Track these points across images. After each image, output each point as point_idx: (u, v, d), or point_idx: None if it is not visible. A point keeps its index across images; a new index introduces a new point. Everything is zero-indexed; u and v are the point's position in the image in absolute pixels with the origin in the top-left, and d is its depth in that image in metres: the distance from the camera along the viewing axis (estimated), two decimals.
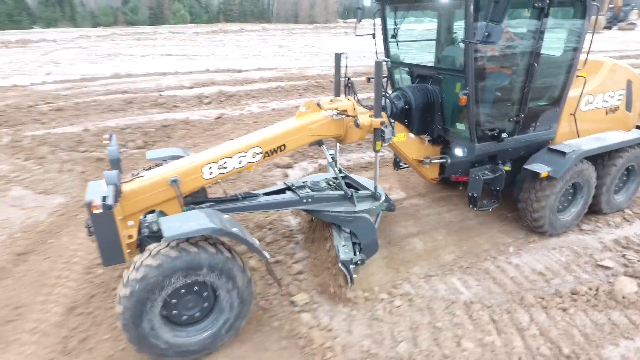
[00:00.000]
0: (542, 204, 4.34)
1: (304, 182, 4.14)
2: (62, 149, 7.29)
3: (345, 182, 4.32)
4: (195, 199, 3.66)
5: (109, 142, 3.43)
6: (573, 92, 4.52)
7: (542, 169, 4.21)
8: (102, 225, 2.86)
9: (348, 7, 66.36)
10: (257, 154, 3.52)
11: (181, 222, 2.79)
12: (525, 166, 4.39)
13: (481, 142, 4.18)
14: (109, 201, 2.79)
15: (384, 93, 3.85)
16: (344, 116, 3.73)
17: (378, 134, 3.73)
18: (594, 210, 4.97)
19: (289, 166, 6.71)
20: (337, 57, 4.19)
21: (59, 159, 6.83)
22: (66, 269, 4.07)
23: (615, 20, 39.86)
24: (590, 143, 4.52)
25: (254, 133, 3.80)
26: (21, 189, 5.73)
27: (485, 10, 3.22)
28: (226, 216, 3.09)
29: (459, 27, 4.47)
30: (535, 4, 3.73)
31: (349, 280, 3.52)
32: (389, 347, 3.10)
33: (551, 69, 4.36)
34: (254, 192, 4.00)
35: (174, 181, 3.26)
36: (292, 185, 4.07)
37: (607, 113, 4.93)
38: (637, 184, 5.21)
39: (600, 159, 4.78)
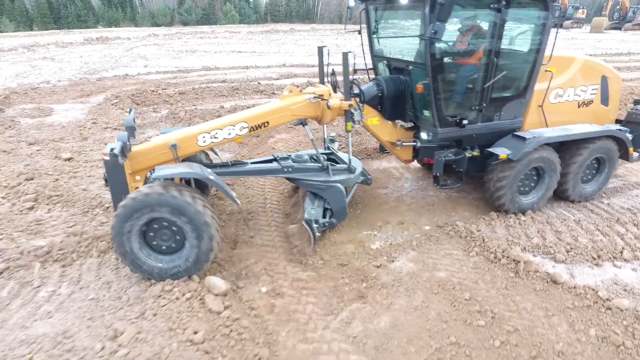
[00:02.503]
0: (502, 184, 4.74)
1: (289, 155, 4.80)
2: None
3: (330, 158, 4.95)
4: (193, 162, 4.36)
5: (128, 114, 4.27)
6: (540, 86, 4.84)
7: (502, 152, 4.58)
8: (114, 174, 3.69)
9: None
10: (244, 128, 4.17)
11: (170, 169, 3.62)
12: (488, 149, 4.78)
13: (444, 127, 4.62)
14: (116, 151, 3.56)
15: (352, 80, 4.37)
16: (320, 99, 4.31)
17: (348, 116, 4.36)
18: (563, 197, 5.32)
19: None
20: (320, 49, 4.68)
21: None
22: None
23: (623, 20, 38.65)
24: (553, 132, 4.83)
25: (244, 111, 4.59)
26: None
27: (434, 11, 3.77)
28: (209, 170, 3.79)
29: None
30: (492, 5, 4.14)
31: (311, 238, 4.10)
32: (525, 240, 4.46)
33: (515, 63, 4.72)
34: (243, 160, 4.74)
35: (173, 145, 3.93)
36: (278, 156, 4.71)
37: (579, 106, 5.21)
38: (606, 175, 5.39)
39: (568, 148, 5.05)
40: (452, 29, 4.66)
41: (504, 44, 4.43)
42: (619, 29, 38.12)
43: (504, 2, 4.11)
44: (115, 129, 8.61)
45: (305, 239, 4.20)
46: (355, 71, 5.24)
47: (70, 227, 4.68)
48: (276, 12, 59.13)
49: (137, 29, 44.90)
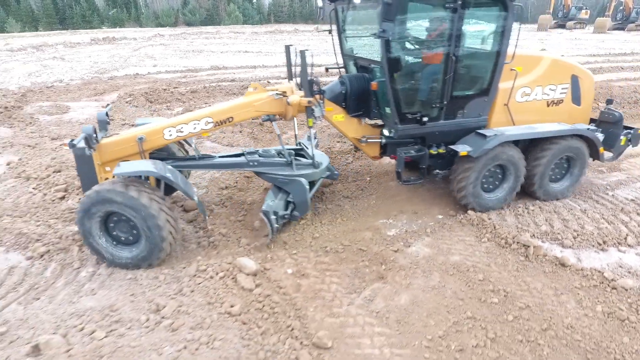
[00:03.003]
0: (464, 181, 4.79)
1: (257, 149, 4.97)
2: None
3: (299, 154, 5.10)
4: (160, 155, 4.65)
5: (105, 108, 4.57)
6: (505, 84, 4.85)
7: (463, 149, 4.64)
8: (82, 164, 4.03)
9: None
10: (209, 122, 4.31)
11: (131, 166, 3.78)
12: (450, 146, 4.84)
13: (404, 124, 4.67)
14: (75, 142, 3.86)
15: (311, 78, 4.47)
16: (282, 96, 4.44)
17: (309, 112, 4.50)
18: (530, 195, 5.32)
19: None
20: (287, 48, 4.78)
21: None
22: None
23: (626, 21, 38.75)
24: (516, 130, 4.85)
25: (210, 107, 4.75)
26: (210, 142, 7.71)
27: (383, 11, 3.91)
28: (170, 167, 4.00)
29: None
30: (447, 5, 4.20)
31: (269, 229, 4.27)
32: (534, 228, 4.71)
33: (476, 62, 4.77)
34: (211, 154, 4.92)
35: (140, 139, 4.09)
36: (246, 151, 4.88)
37: (549, 105, 5.18)
38: (577, 174, 5.34)
39: (535, 147, 5.07)
40: (409, 27, 4.71)
41: (464, 43, 4.48)
42: (622, 29, 38.28)
43: (459, 2, 4.16)
44: (132, 125, 8.87)
45: (264, 230, 4.36)
46: (327, 70, 5.39)
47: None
48: (279, 13, 59.44)
49: (142, 30, 45.23)
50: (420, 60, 4.79)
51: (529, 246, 4.30)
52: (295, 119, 4.88)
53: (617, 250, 4.37)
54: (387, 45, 4.21)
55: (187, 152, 5.26)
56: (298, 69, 4.53)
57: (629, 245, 4.44)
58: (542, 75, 5.06)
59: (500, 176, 5.08)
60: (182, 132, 4.30)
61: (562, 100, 5.25)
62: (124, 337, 3.04)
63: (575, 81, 5.24)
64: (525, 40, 29.68)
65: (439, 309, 3.53)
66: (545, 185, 5.24)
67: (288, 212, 4.56)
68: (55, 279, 3.84)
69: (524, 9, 4.45)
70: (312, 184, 4.97)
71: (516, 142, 4.98)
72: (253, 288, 3.64)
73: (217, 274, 3.75)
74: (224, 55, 21.93)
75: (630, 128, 5.58)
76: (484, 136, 4.69)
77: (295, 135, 5.60)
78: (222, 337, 3.02)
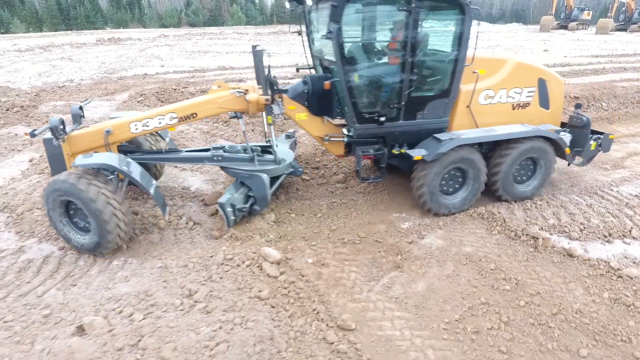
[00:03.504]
0: (421, 184, 4.84)
1: (223, 145, 5.13)
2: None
3: (267, 150, 5.25)
4: (128, 148, 4.94)
5: (82, 103, 4.76)
6: (467, 87, 4.88)
7: (418, 153, 4.67)
8: (51, 153, 4.30)
9: None
10: (174, 118, 4.50)
11: (88, 159, 3.98)
12: (406, 150, 4.91)
13: (362, 123, 4.72)
14: (36, 132, 4.03)
15: (268, 77, 4.59)
16: (243, 94, 4.58)
17: (268, 110, 4.65)
18: (495, 196, 5.31)
19: None
20: (254, 48, 4.73)
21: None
22: None
23: (629, 22, 38.83)
24: (474, 133, 4.86)
25: (176, 103, 4.91)
26: (223, 141, 7.92)
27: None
28: (129, 160, 4.20)
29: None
30: (400, 7, 4.28)
31: (225, 220, 4.44)
32: (542, 221, 4.91)
33: (433, 64, 4.79)
34: (177, 148, 5.20)
35: (107, 131, 4.33)
36: (212, 146, 5.10)
37: (514, 108, 5.19)
38: (542, 176, 5.34)
39: (497, 149, 5.09)
40: (362, 29, 4.87)
41: (419, 45, 4.50)
42: (625, 30, 38.40)
43: (413, 5, 4.20)
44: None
45: (221, 221, 4.52)
46: (298, 69, 5.52)
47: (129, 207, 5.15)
48: (282, 14, 59.70)
49: (146, 30, 45.49)
50: (375, 61, 4.87)
51: (537, 238, 4.50)
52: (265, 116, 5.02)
53: (622, 242, 4.57)
54: (338, 46, 4.29)
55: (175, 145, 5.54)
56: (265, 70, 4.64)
57: (634, 238, 4.64)
58: (506, 78, 5.05)
59: (460, 179, 5.11)
60: (147, 126, 4.52)
61: (529, 103, 5.26)
62: (161, 319, 3.25)
63: (542, 85, 5.23)
64: (527, 41, 29.91)
65: (454, 295, 3.74)
66: (509, 187, 5.23)
67: (247, 205, 4.73)
68: (89, 267, 4.05)
69: (481, 11, 4.45)
70: (276, 179, 5.17)
71: (480, 144, 5.05)
72: (278, 275, 3.84)
73: (243, 262, 3.95)
74: (229, 55, 22.14)
75: (600, 133, 5.61)
76: (439, 140, 4.72)
77: (265, 132, 5.77)
78: (254, 318, 3.22)
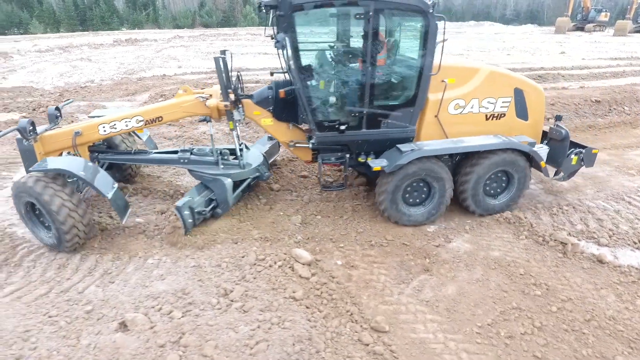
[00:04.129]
0: (382, 194, 4.76)
1: (192, 148, 5.23)
2: None
3: (237, 154, 5.20)
4: (99, 148, 5.20)
5: (62, 103, 4.98)
6: (436, 96, 4.73)
7: (378, 163, 4.62)
8: (24, 152, 4.47)
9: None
10: (140, 121, 4.69)
11: (44, 163, 4.15)
12: (368, 160, 4.86)
13: (322, 131, 4.65)
14: (1, 134, 4.43)
15: (229, 83, 4.60)
16: (205, 99, 4.67)
17: (229, 115, 4.72)
18: (465, 209, 5.14)
19: None
20: (222, 54, 4.69)
21: None
22: None
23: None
24: (438, 145, 4.71)
25: (142, 107, 5.04)
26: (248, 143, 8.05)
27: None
28: (89, 164, 4.33)
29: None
30: (356, 16, 4.19)
31: (181, 223, 4.41)
32: (569, 227, 4.91)
33: (398, 73, 4.69)
34: (146, 150, 5.37)
35: (77, 133, 4.53)
36: (181, 149, 5.18)
37: (488, 118, 4.97)
38: (515, 189, 5.10)
39: (466, 160, 4.94)
40: (317, 36, 4.86)
41: (381, 53, 4.41)
42: None
43: (370, 13, 4.09)
44: (170, 124, 9.25)
45: (177, 224, 4.50)
46: (272, 74, 5.35)
47: (156, 209, 5.28)
48: None
49: (161, 31, 46.05)
50: (333, 69, 4.83)
51: (566, 244, 4.50)
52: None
53: None
54: (293, 55, 4.24)
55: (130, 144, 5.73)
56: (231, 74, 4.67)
57: None
58: (478, 88, 4.84)
59: (425, 190, 4.97)
60: (115, 128, 4.71)
61: (504, 114, 5.01)
62: (200, 317, 3.34)
63: (519, 95, 4.99)
64: (543, 43, 29.59)
65: (485, 299, 3.76)
66: (479, 200, 5.04)
67: (207, 209, 4.77)
68: (125, 266, 4.16)
69: (445, 19, 4.23)
70: (243, 182, 5.21)
71: (451, 155, 4.93)
72: (310, 276, 3.91)
73: (275, 262, 4.03)
74: (244, 57, 22.32)
75: (583, 147, 5.30)
76: (401, 151, 4.62)
77: (237, 135, 5.75)
78: (290, 318, 3.29)
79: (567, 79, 14.88)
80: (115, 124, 4.69)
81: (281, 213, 5.23)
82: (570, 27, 39.93)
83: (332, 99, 4.67)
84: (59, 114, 4.82)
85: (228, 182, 4.88)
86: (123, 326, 3.25)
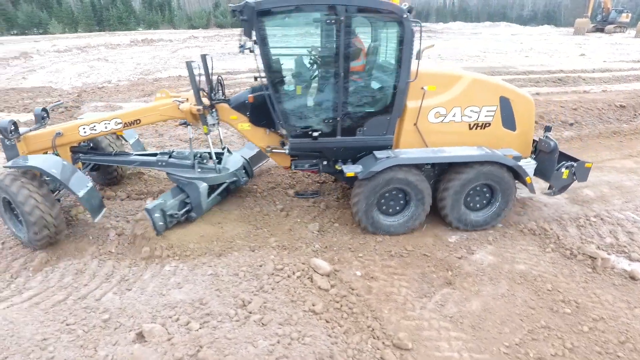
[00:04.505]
0: (356, 202, 4.61)
1: (172, 150, 5.27)
2: None
3: (219, 158, 5.31)
4: (81, 149, 5.28)
5: (50, 105, 5.04)
6: (414, 103, 4.57)
7: (351, 169, 4.49)
8: (5, 148, 4.53)
9: None
10: (119, 123, 4.78)
11: (20, 160, 4.31)
12: (342, 165, 4.73)
13: (295, 138, 4.61)
14: None
15: (200, 87, 4.58)
16: (179, 103, 4.69)
17: (203, 120, 4.72)
18: (445, 222, 4.94)
19: None
20: (203, 57, 4.66)
21: None
22: None
23: None
24: (416, 153, 4.56)
25: (122, 109, 5.05)
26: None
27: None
28: (64, 163, 4.38)
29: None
30: (327, 21, 4.09)
31: (151, 226, 4.44)
32: (598, 240, 4.70)
33: (373, 79, 4.60)
34: (127, 152, 5.44)
35: (58, 133, 4.64)
36: (160, 152, 5.27)
37: (471, 128, 4.77)
38: (499, 204, 4.83)
39: (447, 172, 4.74)
40: (287, 41, 4.68)
41: (353, 59, 4.30)
42: None
43: (342, 17, 3.97)
44: (187, 125, 9.25)
45: (149, 227, 4.51)
46: (255, 78, 5.23)
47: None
48: None
49: (176, 32, 46.51)
50: (304, 75, 4.76)
51: (595, 258, 4.32)
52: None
53: None
54: (262, 59, 4.19)
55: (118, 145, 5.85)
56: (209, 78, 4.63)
57: None
58: (460, 96, 4.64)
59: (402, 200, 4.79)
60: (95, 130, 4.81)
61: (489, 123, 4.78)
62: (218, 329, 3.27)
63: (505, 104, 4.75)
64: (561, 44, 28.98)
65: (512, 316, 3.61)
66: (459, 213, 4.81)
67: (180, 212, 4.75)
68: (142, 272, 4.12)
69: (421, 24, 4.09)
70: (218, 186, 5.24)
71: (433, 165, 4.74)
72: (329, 288, 3.81)
73: (293, 273, 3.94)
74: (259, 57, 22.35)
75: (575, 160, 5.00)
76: (376, 158, 4.49)
77: (220, 139, 5.94)
78: (310, 333, 3.20)
79: (589, 82, 14.50)
80: (94, 126, 4.80)
81: (298, 220, 5.14)
82: (589, 28, 39.08)
83: (304, 105, 4.61)
84: (45, 115, 4.97)
85: (203, 186, 4.91)
86: (140, 337, 3.20)
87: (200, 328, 3.30)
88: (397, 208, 4.82)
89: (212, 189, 5.16)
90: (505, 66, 18.01)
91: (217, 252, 4.41)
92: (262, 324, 3.31)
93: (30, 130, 4.74)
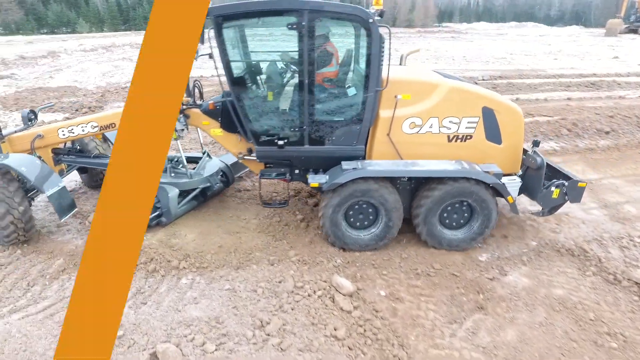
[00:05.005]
0: (322, 214, 4.40)
1: None
2: None
3: (197, 162, 5.29)
4: (62, 150, 5.29)
5: (42, 106, 5.18)
6: (387, 113, 4.35)
7: (315, 180, 4.32)
8: None
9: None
10: (95, 126, 4.87)
11: (4, 158, 4.30)
12: (311, 174, 4.55)
13: (260, 145, 4.50)
14: None
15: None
16: None
17: None
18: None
19: None
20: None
21: None
22: None
23: None
24: (385, 166, 4.33)
25: (98, 113, 5.03)
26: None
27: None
28: (37, 162, 4.41)
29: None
30: (290, 26, 3.93)
31: None
32: None
33: (341, 88, 4.45)
34: (106, 154, 5.47)
35: (39, 135, 4.77)
36: None
37: (450, 140, 4.48)
38: (479, 224, 4.47)
39: (423, 186, 4.44)
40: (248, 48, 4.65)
41: (318, 65, 4.16)
42: None
43: (303, 24, 3.84)
44: None
45: None
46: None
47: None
48: None
49: None
50: (267, 81, 4.62)
51: None
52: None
53: None
54: (223, 65, 4.12)
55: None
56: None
57: None
58: (438, 106, 4.35)
59: (372, 214, 4.49)
60: (73, 132, 4.93)
61: (471, 135, 4.47)
62: (234, 353, 3.10)
63: (489, 115, 4.42)
64: (592, 46, 27.88)
65: (551, 349, 3.31)
66: (432, 230, 4.48)
67: (150, 217, 4.70)
68: (158, 284, 4.00)
69: (389, 28, 3.93)
70: (190, 192, 5.24)
71: (409, 178, 4.44)
72: (352, 310, 3.60)
73: (314, 292, 3.75)
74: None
75: (567, 178, 4.57)
76: (342, 169, 4.28)
77: (201, 144, 5.98)
78: None
79: (624, 87, 13.82)
80: (72, 129, 4.91)
81: (319, 232, 4.93)
82: (622, 29, 37.53)
83: (267, 113, 4.48)
84: (33, 117, 5.05)
85: (173, 191, 4.91)
86: (154, 357, 3.06)
87: (215, 350, 3.14)
88: (368, 221, 4.53)
89: (186, 193, 5.17)
90: (534, 69, 17.37)
91: (235, 265, 4.26)
92: (281, 349, 3.12)
93: (15, 132, 4.89)
